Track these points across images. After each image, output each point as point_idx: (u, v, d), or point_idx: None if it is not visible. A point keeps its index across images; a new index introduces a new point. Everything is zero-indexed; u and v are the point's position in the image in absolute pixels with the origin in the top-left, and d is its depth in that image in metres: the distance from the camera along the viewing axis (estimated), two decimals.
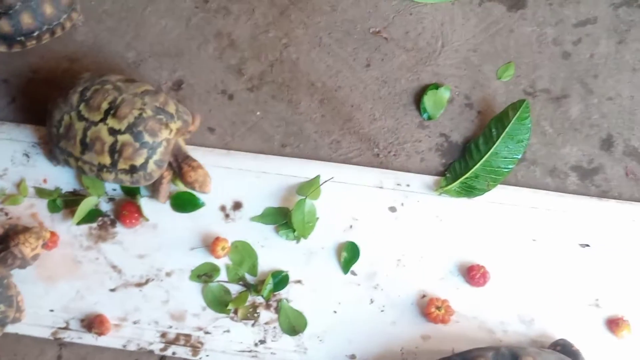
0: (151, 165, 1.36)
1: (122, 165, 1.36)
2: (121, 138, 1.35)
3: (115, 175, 1.37)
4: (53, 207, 1.48)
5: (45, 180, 1.50)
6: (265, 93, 1.57)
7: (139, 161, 1.36)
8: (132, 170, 1.36)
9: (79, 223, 1.46)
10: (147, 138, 1.35)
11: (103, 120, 1.36)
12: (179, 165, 1.40)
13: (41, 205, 1.49)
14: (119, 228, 1.48)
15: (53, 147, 1.43)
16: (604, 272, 1.41)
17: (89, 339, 1.42)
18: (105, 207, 1.49)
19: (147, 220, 1.47)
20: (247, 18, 1.61)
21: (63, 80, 1.54)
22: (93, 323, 1.41)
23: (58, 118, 1.40)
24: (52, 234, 1.45)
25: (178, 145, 1.41)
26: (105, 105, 1.37)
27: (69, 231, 1.47)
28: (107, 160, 1.36)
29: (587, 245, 1.42)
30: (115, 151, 1.36)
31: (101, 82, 1.40)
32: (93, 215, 1.47)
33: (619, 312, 1.38)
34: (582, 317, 1.39)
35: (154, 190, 1.44)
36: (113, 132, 1.36)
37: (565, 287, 1.40)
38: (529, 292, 1.41)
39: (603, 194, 1.46)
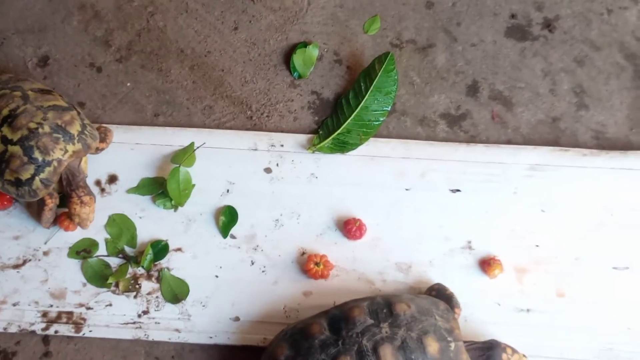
0: (37, 183, 1.34)
1: (8, 176, 1.33)
2: (11, 149, 1.32)
3: (2, 184, 1.35)
4: None
5: None
6: (134, 63, 1.56)
7: (24, 176, 1.33)
8: (18, 183, 1.33)
9: None
10: (36, 154, 1.32)
11: None
12: (69, 192, 1.37)
13: None
14: None
15: None
16: (475, 216, 1.44)
17: None
18: None
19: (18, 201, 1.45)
20: None
21: None
22: None
23: None
24: None
25: (74, 168, 1.37)
26: (5, 112, 1.34)
27: None
28: None
29: (458, 190, 1.45)
30: (3, 160, 1.33)
31: (12, 87, 1.37)
32: None
33: (491, 252, 1.42)
34: (456, 260, 1.43)
35: (37, 211, 1.41)
36: (5, 140, 1.33)
37: (439, 232, 1.44)
38: (405, 240, 1.44)
39: (471, 139, 1.50)
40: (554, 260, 1.42)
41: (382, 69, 1.47)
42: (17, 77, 1.42)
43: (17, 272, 1.43)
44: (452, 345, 1.26)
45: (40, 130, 1.33)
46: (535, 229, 1.43)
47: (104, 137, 1.43)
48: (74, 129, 1.36)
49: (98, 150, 1.43)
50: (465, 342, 1.29)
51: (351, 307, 1.30)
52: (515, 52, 1.54)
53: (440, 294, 1.36)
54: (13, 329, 1.41)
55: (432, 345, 1.24)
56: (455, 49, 1.55)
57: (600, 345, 1.37)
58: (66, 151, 1.34)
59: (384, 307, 1.29)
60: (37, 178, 1.33)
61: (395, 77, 1.47)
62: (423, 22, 1.56)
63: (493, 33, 1.55)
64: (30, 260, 1.44)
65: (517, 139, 1.49)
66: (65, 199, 1.38)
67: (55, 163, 1.33)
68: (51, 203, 1.38)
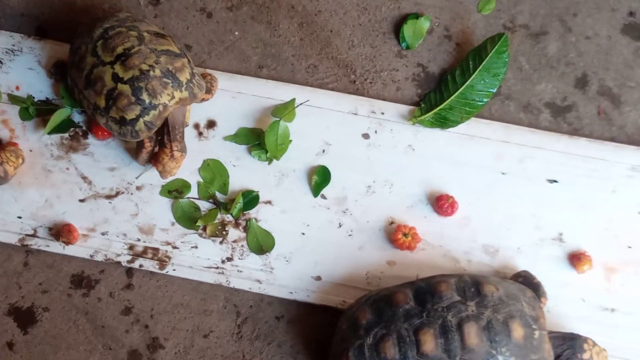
0: (140, 124, 1.34)
1: (113, 113, 1.34)
2: (120, 87, 1.33)
3: (106, 120, 1.36)
4: (25, 115, 1.47)
5: (18, 88, 1.49)
6: (244, 13, 1.56)
7: (129, 115, 1.33)
8: (122, 122, 1.34)
9: (50, 132, 1.45)
10: (144, 96, 1.33)
11: (112, 63, 1.34)
12: (165, 142, 1.37)
13: (13, 112, 1.48)
14: (91, 140, 1.47)
15: (68, 70, 1.42)
16: (569, 208, 1.43)
17: (56, 247, 1.43)
18: (78, 117, 1.48)
19: None
20: None
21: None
22: (61, 232, 1.41)
23: (77, 45, 1.39)
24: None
25: (177, 117, 1.37)
26: (119, 50, 1.34)
27: (40, 140, 1.47)
28: (102, 103, 1.34)
29: (555, 181, 1.44)
30: (111, 97, 1.33)
31: (129, 27, 1.38)
32: (65, 125, 1.47)
33: (582, 247, 1.40)
34: (545, 250, 1.41)
35: (135, 150, 1.42)
36: (116, 78, 1.33)
37: (530, 220, 1.42)
38: (495, 223, 1.42)
39: (574, 132, 1.48)
40: None
41: (494, 50, 1.45)
42: (134, 17, 1.42)
43: (109, 202, 1.45)
44: (537, 333, 1.25)
45: (151, 72, 1.33)
46: (630, 230, 1.41)
47: (209, 88, 1.44)
48: (183, 77, 1.36)
49: (203, 100, 1.44)
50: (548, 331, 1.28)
51: (439, 281, 1.29)
52: (630, 50, 1.51)
53: (528, 282, 1.35)
54: (99, 258, 1.43)
55: (518, 330, 1.23)
56: (569, 40, 1.52)
57: None
58: (173, 97, 1.34)
59: (471, 285, 1.28)
60: (141, 119, 1.33)
61: (506, 59, 1.46)
62: (539, 9, 1.54)
63: (609, 28, 1.53)
64: (123, 192, 1.45)
65: (621, 137, 1.47)
66: (159, 145, 1.39)
67: (160, 107, 1.34)
68: (149, 146, 1.39)
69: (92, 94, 1.34)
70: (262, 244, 1.42)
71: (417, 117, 1.46)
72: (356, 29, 1.55)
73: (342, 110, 1.48)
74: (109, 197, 1.45)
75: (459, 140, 1.46)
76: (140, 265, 1.42)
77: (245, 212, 1.44)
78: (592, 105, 1.49)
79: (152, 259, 1.42)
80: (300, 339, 1.41)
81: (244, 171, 1.46)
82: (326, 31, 1.54)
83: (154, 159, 1.40)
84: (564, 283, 1.39)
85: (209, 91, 1.43)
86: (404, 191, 1.44)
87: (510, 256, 1.41)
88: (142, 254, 1.42)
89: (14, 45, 1.50)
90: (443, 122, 1.46)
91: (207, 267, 1.42)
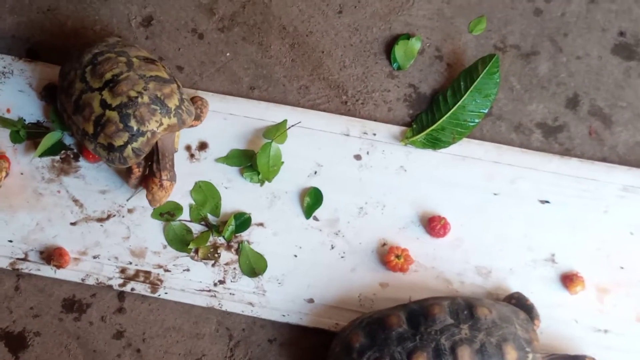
0: (128, 151, 1.33)
1: (101, 139, 1.34)
2: (109, 113, 1.32)
3: (95, 146, 1.35)
4: (16, 138, 1.47)
5: (9, 110, 1.48)
6: (235, 34, 1.56)
7: (117, 142, 1.33)
8: (110, 148, 1.33)
9: (41, 155, 1.45)
10: (132, 123, 1.32)
11: (100, 89, 1.33)
12: (154, 171, 1.36)
13: (4, 134, 1.47)
14: (82, 162, 1.47)
15: (57, 95, 1.42)
16: (561, 229, 1.43)
17: (47, 271, 1.42)
18: (69, 140, 1.48)
19: None
20: None
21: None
22: (52, 255, 1.41)
23: (66, 70, 1.39)
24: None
25: (166, 143, 1.37)
26: (108, 76, 1.33)
27: (31, 163, 1.46)
28: (90, 129, 1.34)
29: (547, 202, 1.44)
30: (99, 124, 1.33)
31: (118, 52, 1.37)
32: (56, 148, 1.46)
33: (574, 268, 1.40)
34: (538, 271, 1.41)
35: (125, 175, 1.42)
36: (104, 104, 1.33)
37: (522, 241, 1.42)
38: (487, 245, 1.42)
39: (566, 152, 1.48)
40: (637, 284, 1.40)
41: (485, 70, 1.45)
42: (124, 42, 1.42)
43: (101, 225, 1.44)
44: (530, 356, 1.25)
45: (139, 99, 1.33)
46: (622, 251, 1.41)
47: (198, 115, 1.43)
48: (172, 103, 1.35)
49: (192, 126, 1.43)
50: (541, 354, 1.28)
51: (432, 304, 1.29)
52: (620, 70, 1.52)
53: (521, 304, 1.35)
54: (90, 281, 1.42)
55: (511, 354, 1.23)
56: (559, 60, 1.53)
57: None
58: (161, 124, 1.34)
59: (464, 308, 1.28)
60: (129, 146, 1.33)
61: (497, 80, 1.46)
62: (529, 29, 1.54)
63: (599, 48, 1.53)
64: (114, 215, 1.45)
65: (612, 157, 1.47)
66: (149, 173, 1.38)
67: (149, 134, 1.33)
68: (138, 172, 1.39)
69: (80, 120, 1.34)
70: (254, 267, 1.42)
71: (409, 138, 1.47)
72: (348, 50, 1.55)
73: (334, 131, 1.48)
74: (100, 220, 1.44)
75: (450, 160, 1.46)
76: (132, 289, 1.41)
77: (237, 235, 1.43)
78: (583, 126, 1.50)
79: (143, 282, 1.41)
80: None
81: (236, 193, 1.45)
82: (317, 52, 1.54)
83: (144, 185, 1.39)
84: (556, 304, 1.39)
85: (197, 118, 1.43)
86: (396, 212, 1.44)
87: (503, 277, 1.41)
88: (134, 277, 1.42)
89: (4, 68, 1.50)
90: (435, 143, 1.46)
91: (200, 290, 1.41)
